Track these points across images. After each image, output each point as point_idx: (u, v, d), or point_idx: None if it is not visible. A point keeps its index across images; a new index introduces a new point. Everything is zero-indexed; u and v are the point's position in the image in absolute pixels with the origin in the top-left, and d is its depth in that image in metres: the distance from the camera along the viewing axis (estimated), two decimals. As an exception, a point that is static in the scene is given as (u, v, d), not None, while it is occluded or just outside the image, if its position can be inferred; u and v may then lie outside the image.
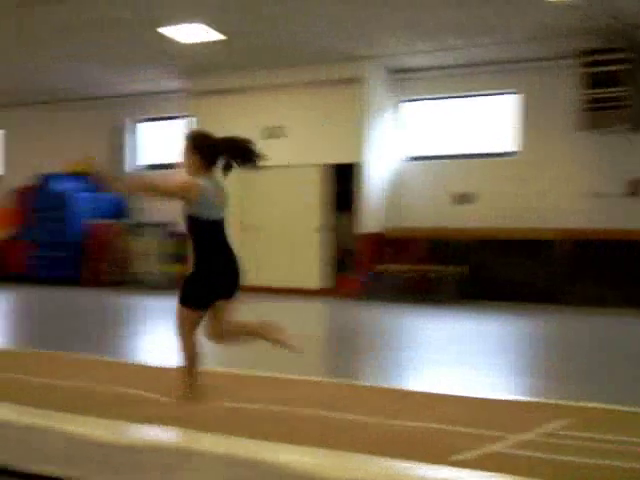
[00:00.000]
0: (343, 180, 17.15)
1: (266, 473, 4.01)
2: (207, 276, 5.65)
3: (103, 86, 19.56)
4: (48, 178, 19.66)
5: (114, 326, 12.39)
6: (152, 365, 7.31)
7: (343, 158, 17.03)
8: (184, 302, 5.68)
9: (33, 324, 12.56)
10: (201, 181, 5.65)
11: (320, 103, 17.39)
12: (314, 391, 5.95)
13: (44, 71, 18.62)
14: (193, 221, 5.77)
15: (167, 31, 15.53)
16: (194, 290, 5.69)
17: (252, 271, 17.19)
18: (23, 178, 20.59)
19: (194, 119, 18.30)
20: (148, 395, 5.56)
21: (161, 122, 20.41)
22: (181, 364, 5.65)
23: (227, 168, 5.77)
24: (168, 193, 5.86)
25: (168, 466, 4.27)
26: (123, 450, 4.39)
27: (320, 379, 6.67)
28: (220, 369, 6.72)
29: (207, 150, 5.74)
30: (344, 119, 17.01)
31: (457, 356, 9.35)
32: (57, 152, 20.89)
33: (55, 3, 14.33)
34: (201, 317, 5.68)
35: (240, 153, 5.75)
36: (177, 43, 16.09)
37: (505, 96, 16.60)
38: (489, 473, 3.86)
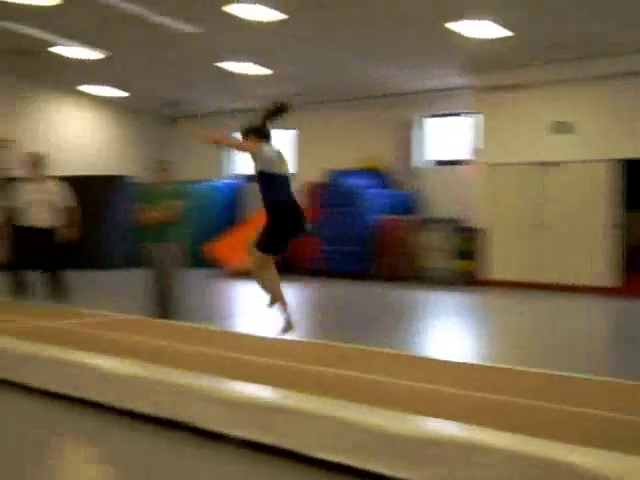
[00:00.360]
0: (633, 176, 16.77)
1: (557, 473, 3.87)
2: (275, 229, 8.31)
3: (391, 83, 20.05)
4: (339, 175, 20.26)
5: (409, 320, 12.79)
6: (447, 360, 7.46)
7: (633, 153, 16.66)
8: (258, 247, 8.35)
9: (338, 316, 13.11)
10: (261, 145, 8.33)
11: (609, 97, 17.07)
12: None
13: (338, 70, 19.40)
14: (262, 176, 8.33)
15: (455, 26, 15.75)
16: (266, 239, 8.32)
17: (537, 268, 17.42)
18: (313, 176, 21.42)
19: (480, 115, 18.44)
20: (444, 390, 5.64)
21: (447, 118, 20.67)
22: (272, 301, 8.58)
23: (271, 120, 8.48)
24: (240, 147, 9.05)
25: (455, 461, 4.25)
26: (411, 443, 4.43)
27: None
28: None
29: (254, 132, 8.52)
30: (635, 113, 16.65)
31: None
32: (346, 149, 21.59)
33: (351, 2, 14.98)
34: (270, 260, 8.42)
35: (272, 116, 8.48)
36: (464, 39, 16.29)
37: None
38: None
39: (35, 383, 6.68)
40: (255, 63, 19.81)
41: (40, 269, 12.26)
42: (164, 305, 10.22)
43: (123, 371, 6.12)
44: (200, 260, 21.49)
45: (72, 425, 6.05)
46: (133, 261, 19.23)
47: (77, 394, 6.34)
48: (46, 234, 12.05)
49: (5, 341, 7.31)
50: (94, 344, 7.16)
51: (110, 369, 6.20)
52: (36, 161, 12.43)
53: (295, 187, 21.84)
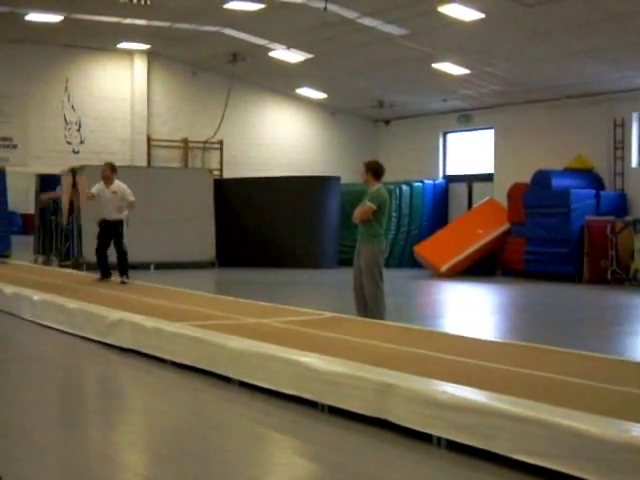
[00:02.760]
0: None
1: None
2: None
3: (601, 82, 19.57)
4: (547, 175, 19.90)
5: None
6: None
7: None
8: None
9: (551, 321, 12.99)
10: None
11: None
12: None
13: (546, 69, 19.16)
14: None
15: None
16: None
17: None
18: (513, 176, 21.17)
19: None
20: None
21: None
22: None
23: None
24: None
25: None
26: (625, 449, 4.36)
27: None
28: None
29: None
30: None
31: None
32: (552, 150, 21.18)
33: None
34: None
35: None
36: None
37: None
38: None
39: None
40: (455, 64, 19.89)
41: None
42: (368, 304, 10.29)
43: (331, 369, 6.27)
44: (411, 260, 21.63)
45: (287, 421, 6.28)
46: (344, 261, 19.57)
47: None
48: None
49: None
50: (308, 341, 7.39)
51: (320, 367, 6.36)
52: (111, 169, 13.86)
53: (495, 187, 22.00)
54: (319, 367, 6.33)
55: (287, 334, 7.96)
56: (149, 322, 8.65)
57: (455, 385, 5.59)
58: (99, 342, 9.21)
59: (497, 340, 8.85)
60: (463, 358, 6.73)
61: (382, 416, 5.72)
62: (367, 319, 9.66)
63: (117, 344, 8.91)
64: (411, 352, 7.07)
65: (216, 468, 5.08)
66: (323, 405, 6.23)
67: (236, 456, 5.30)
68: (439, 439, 5.33)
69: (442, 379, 5.78)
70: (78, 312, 9.93)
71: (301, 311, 10.00)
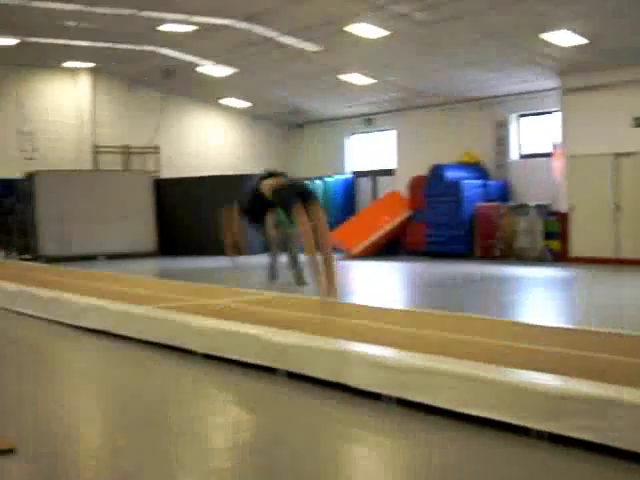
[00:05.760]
0: None
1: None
2: None
3: (485, 88, 19.91)
4: (441, 168, 20.20)
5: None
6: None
7: None
8: None
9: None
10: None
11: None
12: None
13: (439, 77, 19.47)
14: None
15: (548, 37, 15.67)
16: None
17: (615, 245, 17.10)
18: (412, 170, 21.45)
19: (562, 114, 18.24)
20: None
21: (537, 117, 20.35)
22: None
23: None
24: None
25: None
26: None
27: None
28: None
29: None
30: None
31: None
32: (445, 147, 21.49)
33: (458, 20, 15.04)
34: None
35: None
36: (554, 47, 16.15)
37: None
38: None
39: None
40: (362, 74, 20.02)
41: None
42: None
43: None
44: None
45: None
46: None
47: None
48: None
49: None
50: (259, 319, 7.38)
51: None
52: None
53: (396, 181, 22.28)
54: (274, 339, 6.34)
55: (239, 312, 7.93)
56: (115, 306, 8.55)
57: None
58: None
59: (412, 309, 8.93)
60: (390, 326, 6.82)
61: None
62: (301, 297, 9.73)
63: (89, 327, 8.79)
64: (352, 323, 7.12)
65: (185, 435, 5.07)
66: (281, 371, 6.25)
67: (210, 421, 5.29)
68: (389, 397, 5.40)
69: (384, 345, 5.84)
70: (51, 300, 9.74)
71: (246, 291, 10.00)
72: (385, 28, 16.29)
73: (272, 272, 13.34)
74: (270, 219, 12.16)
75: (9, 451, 4.44)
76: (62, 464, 4.42)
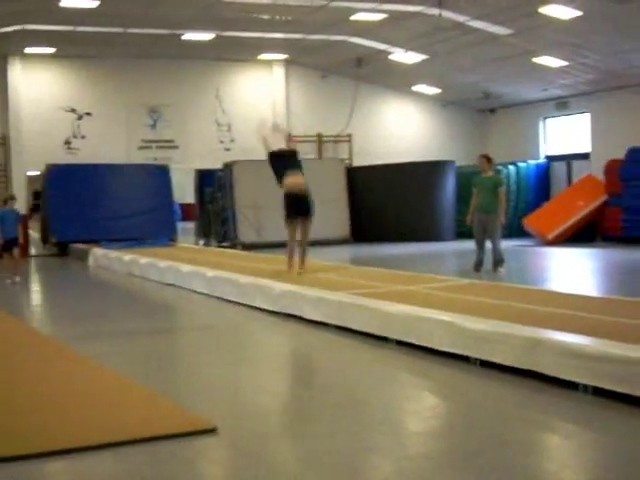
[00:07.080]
0: None
1: None
2: None
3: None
4: (638, 151, 19.28)
5: None
6: None
7: None
8: None
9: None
10: None
11: None
12: None
13: (637, 58, 18.64)
14: None
15: None
16: None
17: None
18: (608, 154, 20.58)
19: None
20: None
21: None
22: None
23: None
24: None
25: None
26: None
27: None
28: None
29: None
30: None
31: None
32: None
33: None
34: None
35: None
36: None
37: None
38: None
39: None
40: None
41: None
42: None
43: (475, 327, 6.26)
44: (518, 230, 21.28)
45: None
46: (461, 233, 19.90)
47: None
48: None
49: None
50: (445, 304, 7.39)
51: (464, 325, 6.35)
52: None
53: (592, 164, 21.48)
54: (470, 327, 6.32)
55: (434, 298, 7.94)
56: (310, 292, 8.75)
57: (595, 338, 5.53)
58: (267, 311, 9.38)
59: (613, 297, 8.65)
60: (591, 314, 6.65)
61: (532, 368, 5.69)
62: (498, 283, 9.64)
63: (283, 311, 9.06)
64: (547, 311, 6.99)
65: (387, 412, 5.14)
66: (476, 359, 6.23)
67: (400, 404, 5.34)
68: (585, 387, 5.28)
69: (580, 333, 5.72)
70: (249, 285, 10.10)
71: (439, 278, 10.00)
72: (577, 8, 15.76)
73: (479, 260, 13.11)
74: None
75: (211, 431, 4.69)
76: (260, 444, 4.61)
